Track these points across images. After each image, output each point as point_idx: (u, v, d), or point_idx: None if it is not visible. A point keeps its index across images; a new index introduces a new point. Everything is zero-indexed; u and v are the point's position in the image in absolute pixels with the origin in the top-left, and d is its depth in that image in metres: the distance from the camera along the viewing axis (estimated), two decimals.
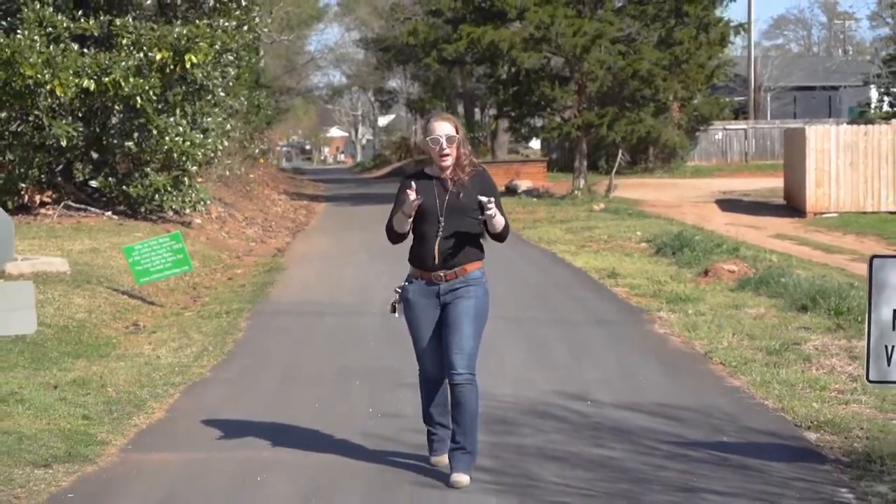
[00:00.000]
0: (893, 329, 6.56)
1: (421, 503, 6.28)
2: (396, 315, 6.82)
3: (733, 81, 55.53)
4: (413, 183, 6.59)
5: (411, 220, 6.63)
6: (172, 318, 13.33)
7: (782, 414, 8.25)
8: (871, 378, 6.68)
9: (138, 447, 7.61)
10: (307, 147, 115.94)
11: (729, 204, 32.66)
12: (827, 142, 28.17)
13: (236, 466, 7.07)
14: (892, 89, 49.60)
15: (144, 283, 14.23)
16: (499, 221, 6.62)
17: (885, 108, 50.11)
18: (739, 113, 57.62)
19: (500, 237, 6.77)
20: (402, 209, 6.59)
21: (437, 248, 6.61)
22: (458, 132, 6.67)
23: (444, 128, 6.63)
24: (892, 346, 6.58)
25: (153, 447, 7.60)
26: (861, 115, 51.66)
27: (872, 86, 52.93)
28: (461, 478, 6.54)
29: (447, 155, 6.62)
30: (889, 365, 6.60)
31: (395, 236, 6.79)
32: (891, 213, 27.66)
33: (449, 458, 6.70)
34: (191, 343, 11.45)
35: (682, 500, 6.27)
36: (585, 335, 11.70)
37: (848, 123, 39.81)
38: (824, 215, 27.81)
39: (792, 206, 30.34)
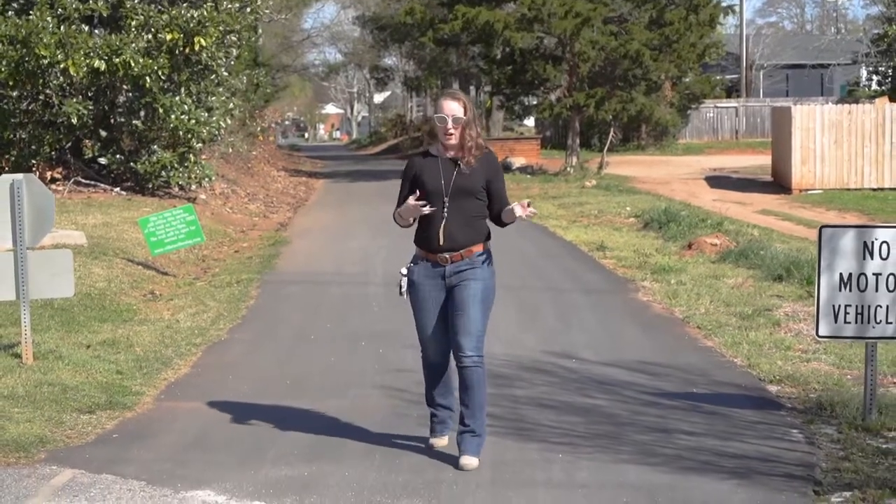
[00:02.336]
0: (840, 290, 7.44)
1: (426, 436, 7.10)
2: (404, 297, 6.74)
3: (725, 60, 56.24)
4: (414, 195, 6.56)
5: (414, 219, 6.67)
6: (186, 288, 14.17)
7: (748, 370, 9.14)
8: (820, 333, 7.58)
9: (170, 397, 8.51)
10: (302, 124, 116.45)
11: (718, 181, 33.39)
12: (812, 120, 28.84)
13: (259, 413, 7.94)
14: (880, 68, 50.28)
15: (159, 253, 15.05)
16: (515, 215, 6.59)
17: (874, 86, 50.80)
18: (732, 91, 58.31)
19: (507, 224, 6.79)
20: (400, 212, 6.68)
21: (441, 229, 6.57)
22: (466, 113, 6.62)
23: (452, 108, 6.60)
24: (839, 305, 7.46)
25: (183, 397, 8.50)
26: (850, 94, 52.43)
27: (863, 64, 53.62)
28: (470, 461, 6.55)
29: (451, 135, 6.60)
30: (836, 322, 7.49)
31: (402, 226, 6.82)
32: (873, 189, 28.35)
33: (458, 440, 6.67)
34: (206, 309, 12.32)
35: (657, 438, 7.15)
36: (573, 302, 12.58)
37: (838, 102, 40.59)
38: (809, 192, 28.50)
39: (779, 182, 31.05)
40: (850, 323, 7.48)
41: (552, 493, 6.15)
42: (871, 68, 50.97)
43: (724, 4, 38.80)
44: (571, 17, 32.88)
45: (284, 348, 10.32)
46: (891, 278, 7.42)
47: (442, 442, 6.87)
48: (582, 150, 38.54)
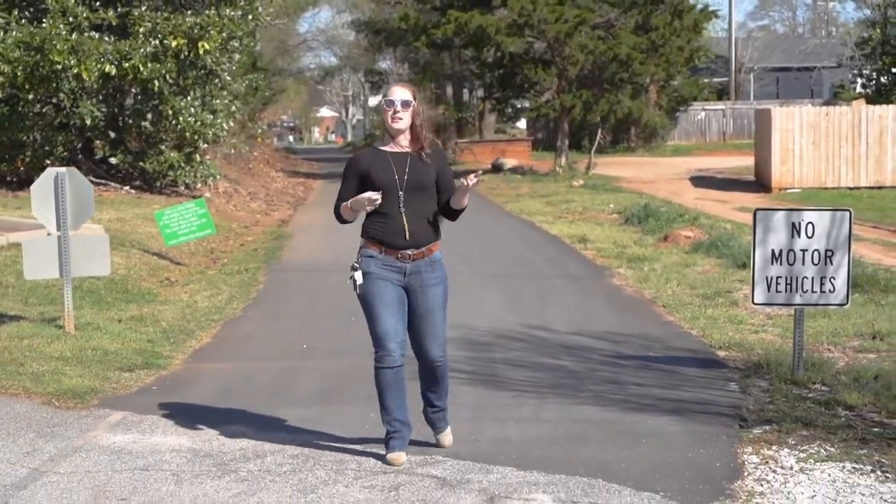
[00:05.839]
0: (772, 263, 8.72)
1: (417, 391, 8.34)
2: (358, 292, 6.54)
3: (714, 63, 57.47)
4: (371, 194, 6.37)
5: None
6: (199, 275, 15.44)
7: (702, 339, 10.42)
8: (755, 301, 8.85)
9: (197, 360, 9.81)
10: (298, 126, 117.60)
11: (702, 181, 34.59)
12: (791, 122, 30.04)
13: (275, 371, 9.25)
14: (864, 71, 51.47)
15: (173, 245, 16.29)
16: (466, 199, 6.61)
17: (858, 89, 52.00)
18: (722, 93, 59.52)
19: (457, 214, 6.68)
20: (350, 205, 6.49)
21: (406, 225, 6.45)
22: (415, 100, 6.53)
23: (401, 93, 6.49)
24: (772, 277, 8.74)
25: (208, 359, 9.80)
26: (835, 96, 53.70)
27: (848, 67, 54.77)
28: (447, 437, 6.93)
29: (399, 118, 6.47)
30: (769, 291, 8.76)
31: (343, 221, 6.69)
32: (849, 188, 29.56)
33: (432, 420, 6.90)
34: (220, 292, 13.61)
35: (611, 389, 8.43)
36: (552, 286, 13.86)
37: (824, 104, 41.81)
38: (788, 191, 29.66)
39: (760, 182, 32.22)
40: (780, 292, 8.76)
41: (521, 425, 7.43)
42: (855, 71, 52.16)
43: (710, 9, 39.97)
44: (561, 22, 34.17)
45: (293, 324, 11.60)
46: (815, 253, 8.70)
47: (401, 458, 6.64)
48: (572, 152, 39.81)
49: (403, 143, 6.57)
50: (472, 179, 6.37)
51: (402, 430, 6.68)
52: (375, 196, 6.33)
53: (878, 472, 6.40)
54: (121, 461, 6.68)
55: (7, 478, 6.38)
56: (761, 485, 6.22)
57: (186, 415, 7.75)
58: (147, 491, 6.15)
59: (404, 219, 6.43)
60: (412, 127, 6.54)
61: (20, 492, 6.14)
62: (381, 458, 6.72)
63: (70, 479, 6.34)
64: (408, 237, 6.44)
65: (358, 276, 6.50)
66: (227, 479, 6.32)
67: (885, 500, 5.96)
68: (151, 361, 9.50)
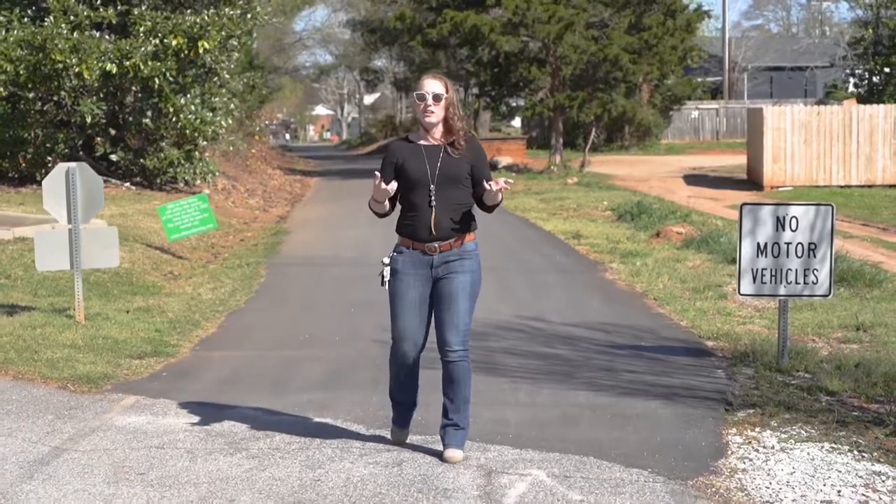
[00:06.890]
0: (757, 256, 9.08)
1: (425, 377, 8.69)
2: (386, 287, 6.54)
3: (708, 62, 57.92)
4: (378, 173, 6.40)
5: (387, 201, 6.47)
6: (201, 269, 15.79)
7: (691, 330, 10.79)
8: (741, 292, 9.21)
9: (204, 348, 10.16)
10: (292, 125, 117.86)
11: (695, 179, 35.00)
12: (783, 121, 30.42)
13: (279, 359, 9.61)
14: (856, 71, 51.84)
15: (175, 239, 16.61)
16: (500, 196, 6.46)
17: (851, 88, 52.39)
18: (717, 93, 59.90)
19: (492, 208, 6.54)
20: (373, 196, 6.47)
21: (433, 218, 6.36)
22: (448, 92, 6.40)
23: (432, 85, 6.38)
24: (757, 269, 9.09)
25: (215, 348, 10.15)
26: (827, 95, 54.11)
27: (840, 67, 55.14)
28: (455, 453, 6.53)
29: (431, 112, 6.37)
30: (755, 282, 9.12)
31: (378, 215, 6.59)
32: (840, 186, 29.95)
33: (441, 434, 6.62)
34: (223, 285, 13.97)
35: (604, 375, 8.79)
36: (546, 280, 14.23)
37: (817, 103, 42.20)
38: (780, 189, 30.05)
39: (752, 180, 32.59)
40: (766, 283, 9.12)
41: (516, 409, 7.79)
42: (847, 71, 52.55)
43: (703, 10, 40.35)
44: (554, 22, 34.54)
45: (295, 315, 11.96)
46: (799, 246, 9.06)
47: (405, 435, 6.91)
48: (567, 150, 40.21)
49: (437, 135, 6.47)
50: (498, 185, 6.32)
51: (407, 409, 6.85)
52: (385, 187, 6.30)
53: (855, 452, 6.77)
54: (137, 440, 7.04)
55: (30, 455, 6.73)
56: (744, 462, 6.59)
57: (196, 398, 8.10)
58: (164, 466, 6.51)
59: (433, 212, 6.35)
60: (445, 119, 6.43)
61: (44, 467, 6.49)
62: (385, 437, 7.07)
63: (90, 456, 6.69)
64: (433, 231, 6.36)
65: (386, 272, 6.49)
66: (238, 456, 6.68)
67: (860, 477, 6.33)
68: (160, 349, 9.85)
